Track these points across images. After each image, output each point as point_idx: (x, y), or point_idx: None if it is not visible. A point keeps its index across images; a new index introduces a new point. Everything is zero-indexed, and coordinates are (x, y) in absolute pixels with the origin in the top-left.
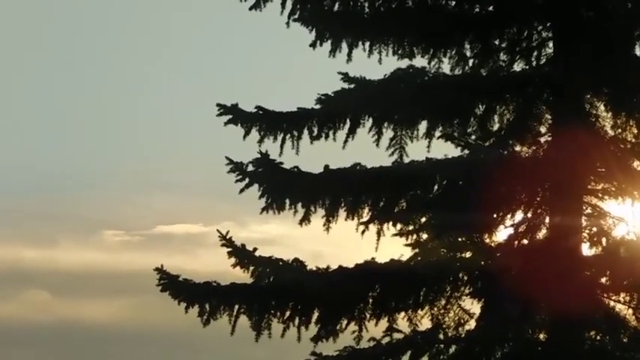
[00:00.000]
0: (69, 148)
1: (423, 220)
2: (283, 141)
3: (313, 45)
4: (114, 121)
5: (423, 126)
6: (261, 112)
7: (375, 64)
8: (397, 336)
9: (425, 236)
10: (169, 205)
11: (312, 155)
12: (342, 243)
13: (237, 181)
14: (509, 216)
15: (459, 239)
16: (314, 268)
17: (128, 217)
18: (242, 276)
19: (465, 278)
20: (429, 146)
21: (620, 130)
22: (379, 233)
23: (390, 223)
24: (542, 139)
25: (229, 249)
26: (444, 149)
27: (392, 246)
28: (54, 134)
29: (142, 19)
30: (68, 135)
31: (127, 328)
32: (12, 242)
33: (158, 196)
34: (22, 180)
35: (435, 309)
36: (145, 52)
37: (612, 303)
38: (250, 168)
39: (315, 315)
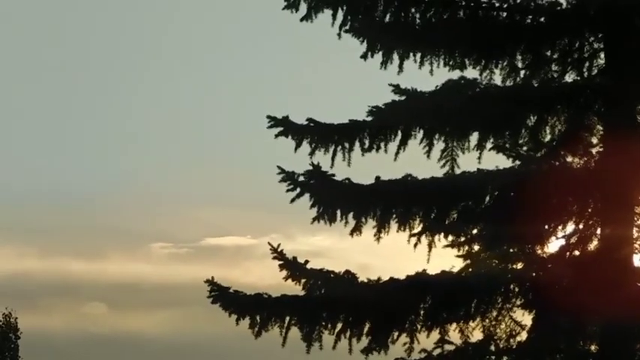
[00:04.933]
0: (118, 161)
1: (475, 231)
2: (334, 153)
3: (364, 56)
4: (163, 134)
5: (474, 137)
6: (312, 124)
7: (427, 76)
8: (448, 347)
9: (476, 247)
10: (217, 218)
11: (364, 167)
12: (389, 255)
13: (288, 190)
14: (560, 227)
15: (511, 250)
16: (365, 280)
17: (176, 230)
18: (290, 288)
19: (517, 289)
20: (480, 157)
21: None
22: (431, 245)
23: (442, 234)
24: (594, 150)
25: (281, 262)
26: (495, 160)
27: (442, 257)
28: (104, 147)
29: (203, 33)
30: (118, 148)
31: (177, 339)
32: (60, 254)
33: (206, 208)
34: (70, 192)
35: (487, 320)
36: (194, 66)
37: None
38: (302, 179)
39: (367, 327)
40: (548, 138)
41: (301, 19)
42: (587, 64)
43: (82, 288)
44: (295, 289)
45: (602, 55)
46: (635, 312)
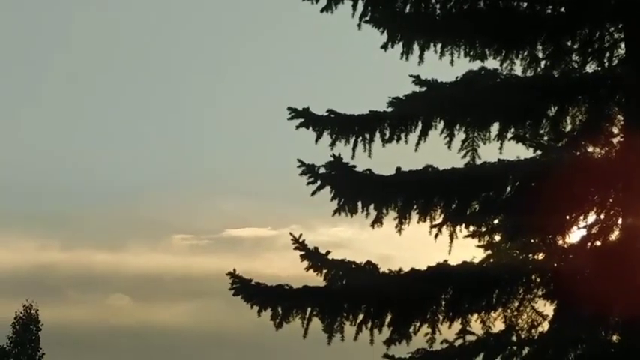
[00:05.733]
0: (137, 153)
1: (496, 221)
2: (355, 144)
3: (385, 47)
4: (182, 126)
5: (494, 128)
6: (332, 115)
7: (447, 66)
8: (470, 338)
9: (498, 238)
10: (238, 209)
11: (384, 158)
12: (411, 245)
13: (308, 183)
14: (581, 217)
15: (532, 241)
16: (386, 271)
17: (197, 221)
18: (311, 279)
19: (538, 280)
20: (501, 148)
21: None
22: (452, 235)
23: (463, 225)
24: (615, 140)
25: (302, 252)
26: (516, 151)
27: (463, 248)
28: (123, 139)
29: (212, 25)
30: (137, 140)
31: (199, 330)
32: (82, 246)
33: (226, 200)
34: (91, 185)
35: (508, 311)
36: (214, 56)
37: None
38: (322, 171)
39: (388, 317)
40: (569, 128)
41: (321, 10)
42: (607, 54)
43: (104, 279)
44: (316, 279)
45: (623, 46)
46: None
